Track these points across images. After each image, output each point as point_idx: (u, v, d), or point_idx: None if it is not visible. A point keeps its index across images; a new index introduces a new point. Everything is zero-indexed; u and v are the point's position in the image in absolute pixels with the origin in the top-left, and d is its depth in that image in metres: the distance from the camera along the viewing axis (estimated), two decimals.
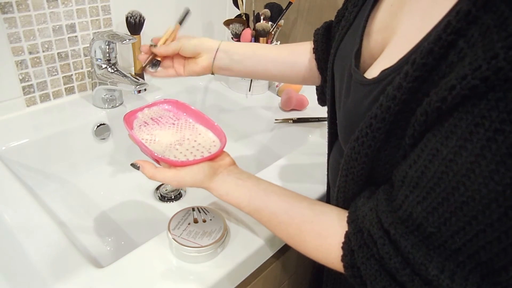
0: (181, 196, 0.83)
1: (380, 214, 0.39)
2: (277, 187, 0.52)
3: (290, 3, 0.99)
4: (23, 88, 0.82)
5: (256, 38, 0.98)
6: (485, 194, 0.30)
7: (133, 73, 0.88)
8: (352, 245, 0.41)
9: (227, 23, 1.01)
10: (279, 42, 1.08)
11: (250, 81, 1.00)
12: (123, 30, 0.90)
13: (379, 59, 0.44)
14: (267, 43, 0.98)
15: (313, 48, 0.67)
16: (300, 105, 0.95)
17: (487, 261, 0.33)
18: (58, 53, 0.84)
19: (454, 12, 0.32)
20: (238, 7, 1.04)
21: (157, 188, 0.84)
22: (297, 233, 0.47)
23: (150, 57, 0.68)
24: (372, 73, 0.43)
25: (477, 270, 0.34)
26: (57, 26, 0.81)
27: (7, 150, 0.74)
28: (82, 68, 0.89)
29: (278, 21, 1.00)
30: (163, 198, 0.82)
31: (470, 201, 0.31)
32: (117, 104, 0.89)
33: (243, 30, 0.99)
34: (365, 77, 0.43)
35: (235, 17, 1.03)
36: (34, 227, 0.57)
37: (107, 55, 0.81)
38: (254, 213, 0.51)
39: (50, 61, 0.83)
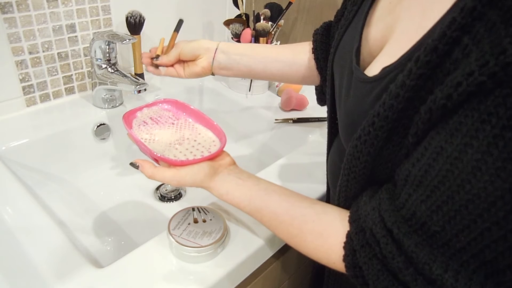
0: (181, 196, 0.83)
1: (383, 213, 0.38)
2: (277, 186, 0.52)
3: (290, 3, 0.99)
4: (23, 88, 0.81)
5: (256, 38, 0.98)
6: (491, 192, 0.30)
7: (133, 73, 0.88)
8: (354, 244, 0.41)
9: (227, 23, 1.01)
10: (279, 42, 1.08)
11: (250, 81, 1.00)
12: (123, 30, 0.90)
13: (379, 57, 0.44)
14: (267, 43, 0.98)
15: (312, 48, 0.67)
16: (300, 105, 0.95)
17: (491, 260, 0.33)
18: (58, 53, 0.84)
19: (458, 8, 0.32)
20: (238, 7, 1.04)
21: (157, 188, 0.84)
22: (298, 233, 0.47)
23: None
24: (372, 70, 0.43)
25: (482, 270, 0.33)
26: (57, 26, 0.81)
27: (7, 150, 0.74)
28: (82, 68, 0.89)
29: (278, 21, 1.00)
30: (163, 198, 0.82)
31: (475, 199, 0.31)
32: (117, 104, 0.89)
33: (243, 30, 0.99)
34: (366, 75, 0.43)
35: (235, 17, 1.03)
36: (34, 227, 0.56)
37: (107, 55, 0.81)
38: (254, 213, 0.51)
39: (50, 61, 0.83)
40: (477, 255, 0.33)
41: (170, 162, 0.51)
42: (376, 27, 0.46)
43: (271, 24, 0.99)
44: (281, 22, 1.01)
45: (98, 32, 0.88)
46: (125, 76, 0.81)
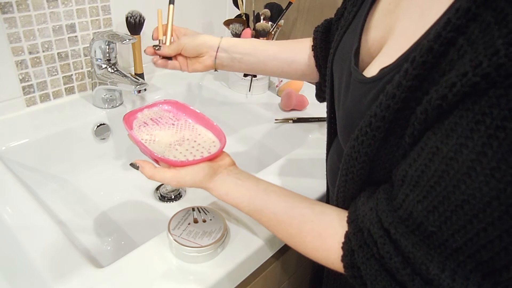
0: (181, 196, 0.83)
1: (380, 214, 0.38)
2: (277, 187, 0.52)
3: (290, 3, 0.99)
4: (23, 88, 0.82)
5: (256, 38, 0.98)
6: (487, 192, 0.30)
7: (133, 73, 0.88)
8: (352, 245, 0.41)
9: (227, 23, 1.01)
10: None
11: (250, 81, 1.00)
12: (123, 30, 0.90)
13: (378, 57, 0.44)
14: None
15: (312, 46, 0.68)
16: (300, 105, 0.95)
17: (488, 260, 0.33)
18: (58, 53, 0.84)
19: (453, 9, 0.32)
20: (238, 7, 1.04)
21: (157, 188, 0.84)
22: (297, 233, 0.47)
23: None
24: (371, 71, 0.43)
25: (478, 269, 0.33)
26: (57, 26, 0.81)
27: (7, 150, 0.74)
28: (82, 68, 0.89)
29: (278, 21, 1.00)
30: (163, 198, 0.82)
31: (471, 200, 0.31)
32: (117, 104, 0.89)
33: (243, 30, 0.99)
34: (364, 76, 0.43)
35: (235, 17, 1.03)
36: (34, 227, 0.57)
37: (107, 55, 0.81)
38: (253, 213, 0.51)
39: (50, 61, 0.83)
40: (474, 255, 0.33)
41: (170, 163, 0.51)
42: (376, 28, 0.46)
43: (271, 24, 0.99)
44: (281, 22, 1.01)
45: (98, 32, 0.88)
46: (125, 76, 0.81)
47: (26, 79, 0.81)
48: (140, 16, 0.88)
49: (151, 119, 0.60)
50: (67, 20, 0.82)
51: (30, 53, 0.80)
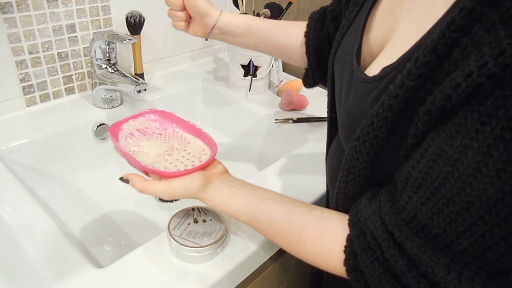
0: None
1: (384, 216, 0.38)
2: (273, 193, 0.51)
3: (290, 3, 0.99)
4: (23, 88, 0.81)
5: None
6: (492, 193, 0.30)
7: (133, 73, 0.88)
8: (354, 248, 0.41)
9: None
10: None
11: (250, 81, 1.00)
12: (123, 30, 0.90)
13: (379, 57, 0.44)
14: None
15: (305, 32, 0.69)
16: (300, 105, 0.95)
17: (493, 262, 0.33)
18: (58, 53, 0.84)
19: (457, 9, 0.32)
20: (238, 7, 1.04)
21: None
22: (297, 239, 0.46)
23: None
24: (372, 71, 0.43)
25: (484, 271, 0.33)
26: (57, 26, 0.81)
27: (7, 150, 0.74)
28: (82, 68, 0.89)
29: None
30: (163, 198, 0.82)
31: (476, 201, 0.31)
32: (117, 104, 0.89)
33: None
34: (366, 75, 0.43)
35: None
36: (34, 227, 0.56)
37: (107, 55, 0.81)
38: (251, 222, 0.50)
39: (50, 61, 0.83)
40: (479, 256, 0.33)
41: (161, 174, 0.50)
42: (377, 28, 0.46)
43: None
44: None
45: (98, 32, 0.88)
46: (125, 76, 0.81)
47: (26, 79, 0.81)
48: (140, 16, 0.88)
49: (137, 129, 0.58)
50: (67, 20, 0.82)
51: (30, 53, 0.80)
